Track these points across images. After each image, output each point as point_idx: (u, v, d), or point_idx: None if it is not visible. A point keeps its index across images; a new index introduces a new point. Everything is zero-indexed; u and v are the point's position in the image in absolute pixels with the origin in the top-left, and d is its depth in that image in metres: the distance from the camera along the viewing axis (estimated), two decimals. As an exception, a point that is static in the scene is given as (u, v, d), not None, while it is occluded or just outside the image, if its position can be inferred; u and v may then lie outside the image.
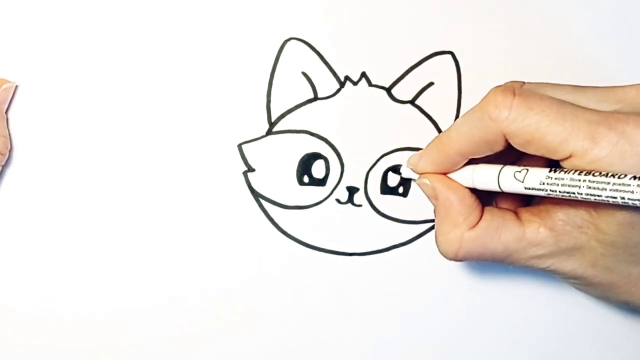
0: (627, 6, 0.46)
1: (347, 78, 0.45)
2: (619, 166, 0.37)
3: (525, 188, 0.40)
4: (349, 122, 0.45)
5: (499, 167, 0.41)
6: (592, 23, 0.46)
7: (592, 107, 0.40)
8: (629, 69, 0.46)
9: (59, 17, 0.43)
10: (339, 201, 0.45)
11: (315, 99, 0.45)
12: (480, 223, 0.42)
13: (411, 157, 0.44)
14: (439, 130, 0.45)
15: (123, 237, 0.45)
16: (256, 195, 0.45)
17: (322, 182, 0.45)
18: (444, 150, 0.42)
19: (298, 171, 0.45)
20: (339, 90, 0.45)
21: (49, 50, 0.44)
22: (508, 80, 0.45)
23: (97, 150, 0.44)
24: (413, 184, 0.45)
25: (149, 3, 0.44)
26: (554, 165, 0.39)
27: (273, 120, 0.45)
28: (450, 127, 0.42)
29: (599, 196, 0.37)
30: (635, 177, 0.36)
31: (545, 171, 0.39)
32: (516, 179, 0.40)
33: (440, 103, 0.45)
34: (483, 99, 0.40)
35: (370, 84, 0.45)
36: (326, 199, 0.45)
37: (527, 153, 0.40)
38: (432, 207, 0.44)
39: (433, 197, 0.43)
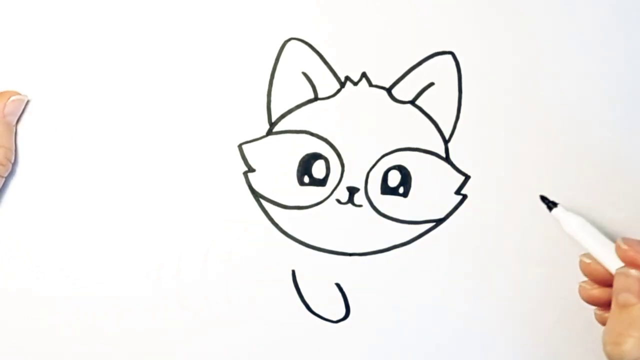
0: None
1: (347, 78, 0.45)
2: None
3: None
4: (349, 122, 0.45)
5: None
6: (592, 20, 0.46)
7: None
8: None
9: (57, 18, 0.44)
10: (339, 201, 0.45)
11: (316, 99, 0.45)
12: None
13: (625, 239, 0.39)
14: (439, 131, 0.45)
15: (124, 236, 0.45)
16: (256, 195, 0.45)
17: (322, 182, 0.45)
18: None
19: (298, 171, 0.45)
20: (339, 90, 0.45)
21: (47, 51, 0.44)
22: (508, 80, 0.45)
23: (97, 149, 0.44)
24: (414, 183, 0.45)
25: (150, 4, 0.44)
26: None
27: (273, 120, 0.45)
28: None
29: None
30: None
31: None
32: None
33: (440, 103, 0.45)
34: None
35: (370, 84, 0.45)
36: (326, 199, 0.45)
37: None
38: (432, 208, 0.44)
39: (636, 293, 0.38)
